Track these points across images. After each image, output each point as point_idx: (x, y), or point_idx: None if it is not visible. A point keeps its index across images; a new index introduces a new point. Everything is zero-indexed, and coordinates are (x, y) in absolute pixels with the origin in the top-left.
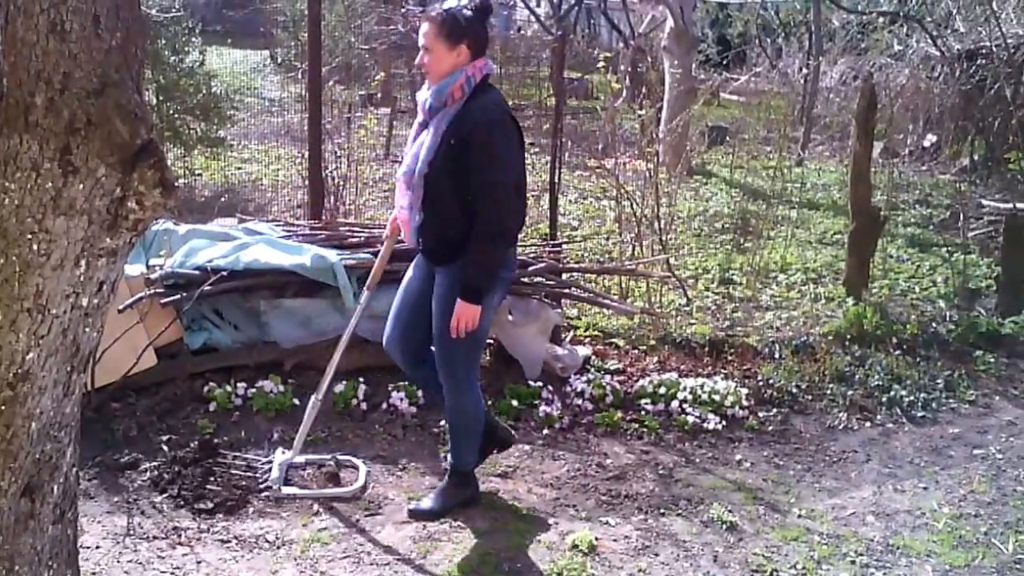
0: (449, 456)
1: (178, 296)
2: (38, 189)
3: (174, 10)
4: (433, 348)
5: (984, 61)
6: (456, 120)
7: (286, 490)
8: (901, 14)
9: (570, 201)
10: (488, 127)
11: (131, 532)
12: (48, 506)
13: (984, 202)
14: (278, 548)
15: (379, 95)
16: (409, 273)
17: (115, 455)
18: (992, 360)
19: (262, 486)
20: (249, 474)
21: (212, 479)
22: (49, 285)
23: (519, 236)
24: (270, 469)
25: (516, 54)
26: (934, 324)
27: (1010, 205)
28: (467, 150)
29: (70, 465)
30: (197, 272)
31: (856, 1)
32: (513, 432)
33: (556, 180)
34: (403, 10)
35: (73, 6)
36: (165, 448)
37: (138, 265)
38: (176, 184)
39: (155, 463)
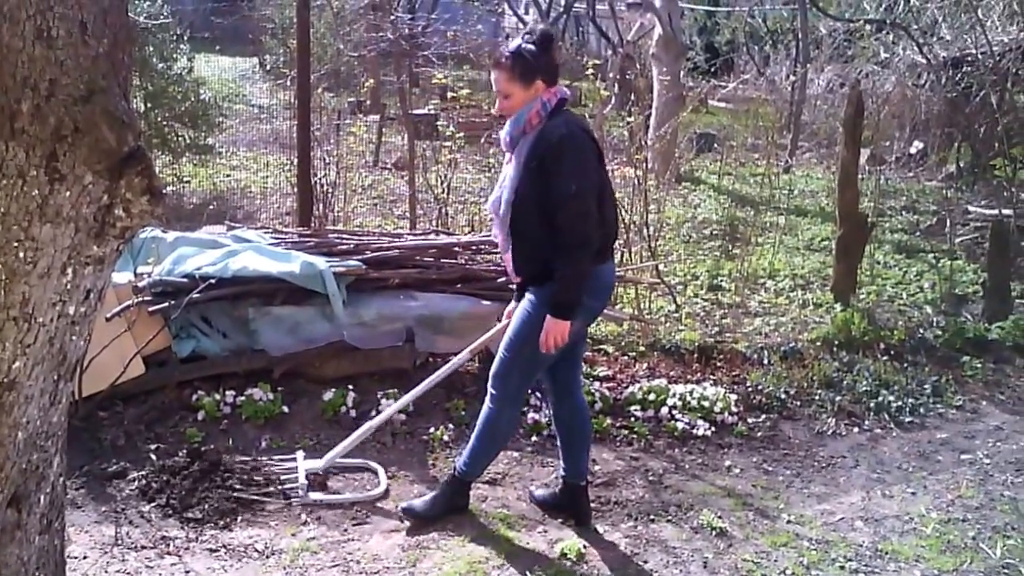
0: (457, 461)
1: (166, 304)
2: (24, 196)
3: (162, 17)
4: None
5: (970, 68)
6: (534, 144)
7: (313, 496)
8: (887, 22)
9: None
10: (559, 142)
11: (119, 542)
12: (35, 516)
13: (970, 208)
14: (267, 557)
15: (368, 102)
16: (516, 308)
17: (103, 464)
18: (979, 365)
19: (289, 492)
20: (274, 480)
21: (209, 489)
22: (35, 293)
23: (613, 255)
24: (295, 475)
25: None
26: (921, 330)
27: (996, 211)
28: (545, 168)
29: (57, 475)
30: (185, 280)
31: (843, 9)
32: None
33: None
34: (392, 17)
35: (60, 13)
36: (153, 457)
37: (126, 273)
38: (164, 191)
39: (143, 472)
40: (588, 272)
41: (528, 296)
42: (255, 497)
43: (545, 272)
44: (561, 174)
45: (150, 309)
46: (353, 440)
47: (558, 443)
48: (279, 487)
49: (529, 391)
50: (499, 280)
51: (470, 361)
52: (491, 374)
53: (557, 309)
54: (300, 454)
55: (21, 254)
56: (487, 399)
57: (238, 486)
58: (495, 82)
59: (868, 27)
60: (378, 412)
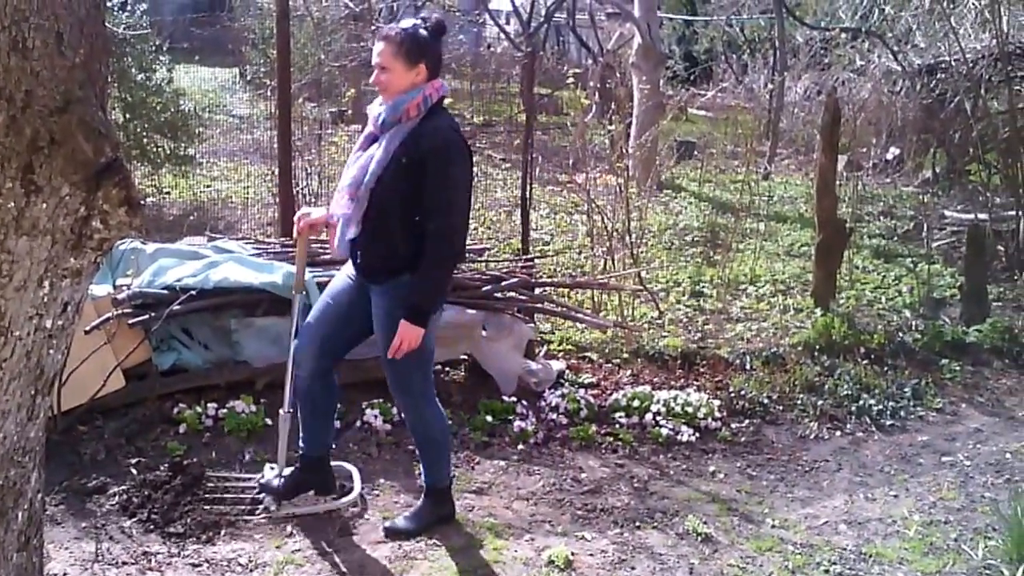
0: (423, 475)
1: (146, 316)
2: (0, 209)
3: (141, 27)
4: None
5: (944, 75)
6: (409, 138)
7: (284, 509)
8: (863, 30)
9: (542, 216)
10: (446, 148)
11: (100, 558)
12: (13, 533)
13: (946, 213)
14: (251, 571)
15: (350, 112)
16: (337, 284)
17: (82, 479)
18: (958, 368)
19: (260, 508)
20: (243, 496)
21: (191, 503)
22: (12, 307)
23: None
24: (264, 490)
25: (486, 71)
26: (901, 333)
27: (971, 216)
28: (421, 170)
29: (35, 491)
30: (165, 291)
31: (819, 18)
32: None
33: (528, 195)
34: (373, 27)
35: (35, 23)
36: (134, 471)
37: (105, 285)
38: (142, 202)
39: (124, 487)
40: (448, 283)
41: (377, 299)
42: (229, 514)
43: (390, 271)
44: (444, 183)
45: (130, 321)
46: (283, 436)
47: (301, 416)
48: (252, 503)
49: (515, 400)
50: (484, 288)
51: (454, 369)
52: (391, 389)
53: (414, 315)
54: (267, 466)
55: None
56: (402, 410)
57: (215, 502)
58: (378, 54)
59: (844, 35)
60: (363, 422)
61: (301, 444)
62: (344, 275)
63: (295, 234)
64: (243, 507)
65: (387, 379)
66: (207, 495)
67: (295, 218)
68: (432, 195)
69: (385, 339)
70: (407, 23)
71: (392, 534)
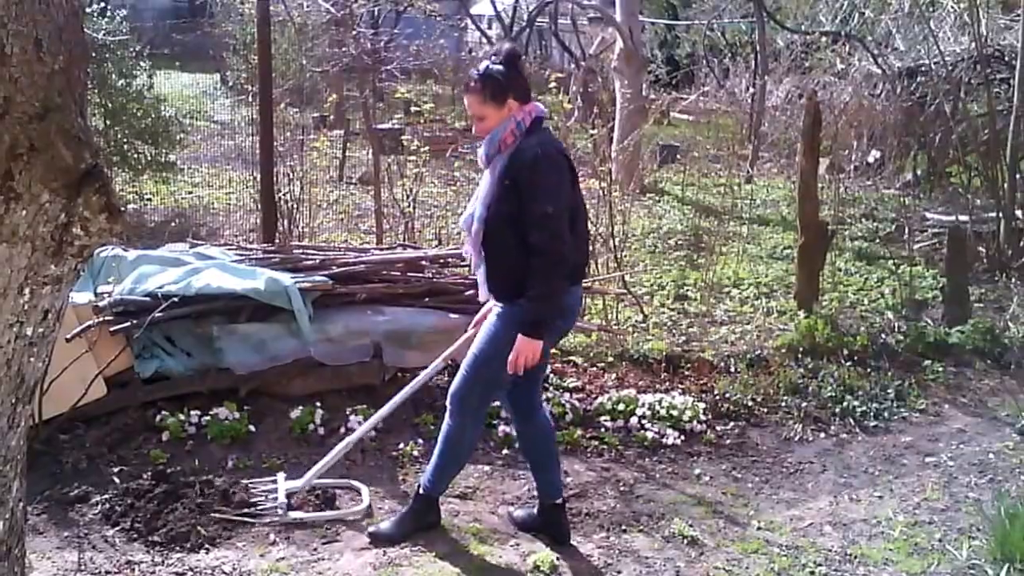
0: (421, 479)
1: (128, 323)
2: None
3: (121, 33)
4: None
5: (924, 78)
6: (509, 161)
7: (292, 515)
8: (843, 34)
9: None
10: (533, 162)
11: (82, 567)
12: None
13: (928, 215)
14: None
15: (332, 117)
16: (484, 327)
17: (64, 488)
18: (940, 369)
19: (267, 512)
20: (252, 501)
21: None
22: None
23: (581, 281)
24: (275, 495)
25: (468, 75)
26: (883, 335)
27: (952, 218)
28: (519, 187)
29: (16, 500)
30: (147, 298)
31: (800, 22)
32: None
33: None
34: (355, 32)
35: (14, 30)
36: (117, 480)
37: (86, 292)
38: (123, 209)
39: (107, 496)
40: (560, 292)
41: (495, 313)
42: (234, 518)
43: (516, 290)
44: (536, 195)
45: (112, 329)
46: (331, 459)
47: (529, 462)
48: (258, 508)
49: (500, 404)
50: (466, 293)
51: (439, 374)
52: (451, 391)
53: (529, 328)
54: (281, 475)
55: None
56: (447, 415)
57: (217, 507)
58: (468, 106)
59: (824, 39)
60: (347, 428)
61: (536, 490)
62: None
63: (471, 328)
64: (248, 512)
65: (453, 383)
66: (210, 500)
67: (478, 316)
68: (528, 210)
69: (480, 343)
70: (481, 66)
71: (376, 538)
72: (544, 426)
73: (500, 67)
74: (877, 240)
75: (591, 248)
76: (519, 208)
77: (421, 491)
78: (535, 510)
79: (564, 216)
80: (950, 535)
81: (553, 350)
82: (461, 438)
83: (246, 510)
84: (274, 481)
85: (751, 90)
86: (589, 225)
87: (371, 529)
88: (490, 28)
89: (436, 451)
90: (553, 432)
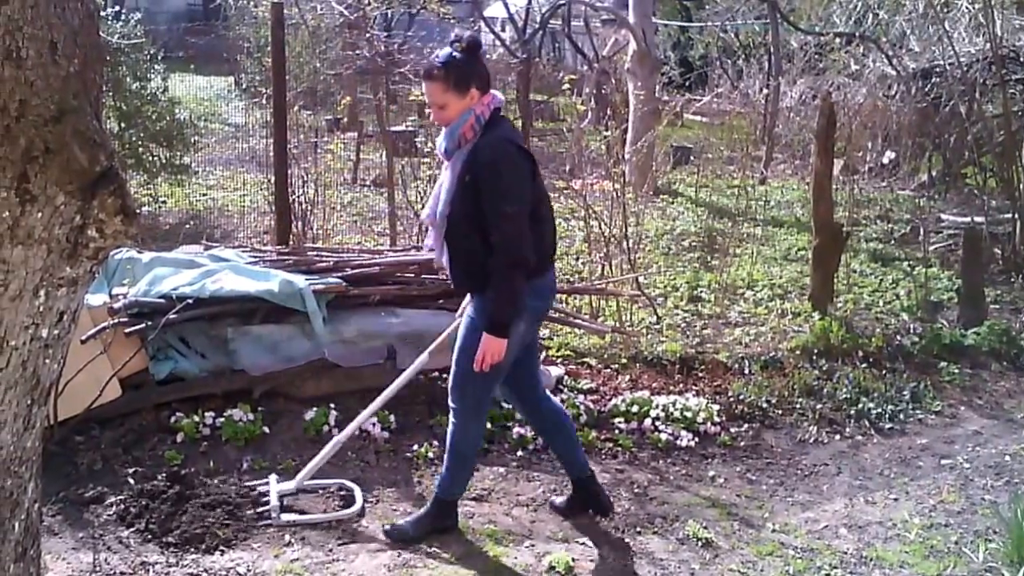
0: (437, 481)
1: (143, 325)
2: None
3: (135, 36)
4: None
5: (938, 79)
6: (469, 158)
7: (285, 517)
8: (857, 35)
9: None
10: (494, 160)
11: (97, 568)
12: (10, 544)
13: (943, 216)
14: None
15: (345, 119)
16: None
17: (79, 489)
18: (956, 371)
19: (260, 515)
20: (245, 503)
21: (188, 512)
22: (7, 316)
23: (553, 264)
24: (267, 498)
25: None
26: (899, 337)
27: (968, 219)
28: (479, 185)
29: (32, 501)
30: (162, 300)
31: (813, 23)
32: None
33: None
34: (368, 35)
35: (30, 33)
36: (131, 481)
37: (101, 294)
38: (138, 211)
39: (121, 497)
40: (522, 290)
41: (471, 306)
42: (226, 522)
43: (482, 282)
44: (495, 194)
45: (126, 331)
46: (323, 457)
47: (551, 450)
48: (253, 511)
49: (508, 406)
50: None
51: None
52: (449, 388)
53: (492, 327)
54: (273, 477)
55: None
56: (450, 415)
57: (209, 512)
58: (428, 94)
59: (838, 40)
60: (360, 430)
61: (564, 470)
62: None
63: (458, 317)
64: (241, 516)
65: (449, 380)
66: (205, 504)
67: (464, 304)
68: (489, 207)
69: (461, 340)
70: (442, 53)
71: (392, 536)
72: (555, 411)
73: (462, 55)
74: (892, 241)
75: (606, 250)
76: (479, 206)
77: (438, 495)
78: (571, 492)
79: (524, 215)
80: (966, 538)
81: (567, 352)
82: (464, 436)
83: (238, 514)
84: (266, 483)
85: (765, 91)
86: (602, 226)
87: (386, 527)
88: (503, 30)
89: (446, 453)
90: (565, 414)
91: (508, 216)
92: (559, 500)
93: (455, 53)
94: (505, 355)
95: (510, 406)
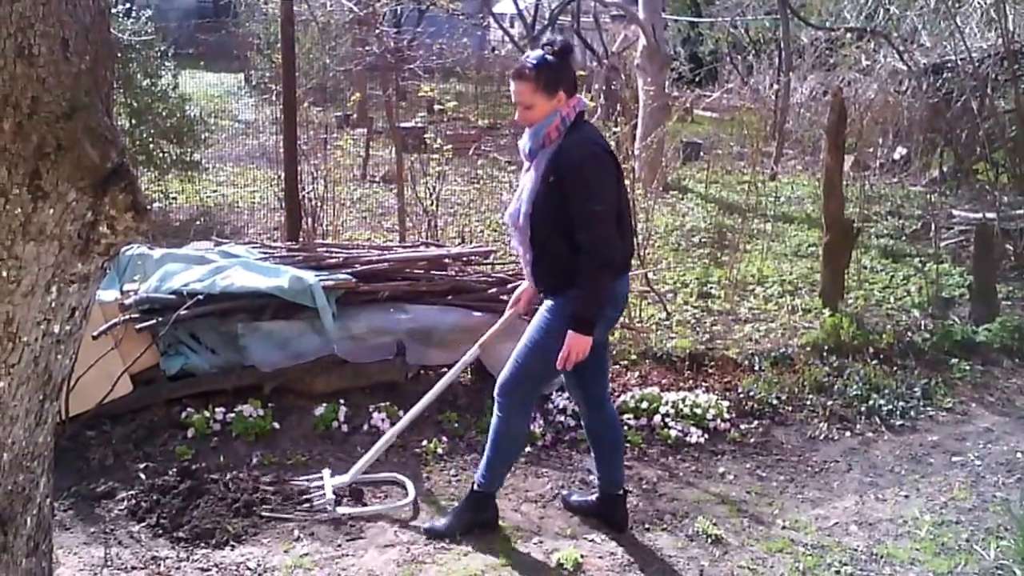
0: (476, 475)
1: (153, 321)
2: (7, 215)
3: (146, 33)
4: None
5: (950, 75)
6: (554, 158)
7: (341, 510)
8: (868, 30)
9: None
10: (581, 161)
11: (108, 563)
12: (21, 538)
13: (954, 212)
14: None
15: (355, 116)
16: (534, 320)
17: (91, 484)
18: (967, 368)
19: (317, 508)
20: (303, 497)
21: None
22: (19, 312)
23: (629, 268)
24: (322, 491)
25: (491, 74)
26: (910, 333)
27: (979, 215)
28: (564, 186)
29: (44, 496)
30: (173, 296)
31: (824, 18)
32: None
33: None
34: (378, 31)
35: (41, 30)
36: (142, 476)
37: (112, 290)
38: (149, 207)
39: (132, 492)
40: (608, 289)
41: (546, 305)
42: (284, 516)
43: (564, 283)
44: (583, 194)
45: (137, 327)
46: (376, 451)
47: (592, 453)
48: (307, 504)
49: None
50: (489, 291)
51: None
52: (499, 382)
53: (578, 325)
54: (326, 471)
55: (4, 273)
56: (495, 408)
57: (263, 506)
58: (516, 93)
59: (849, 35)
60: (370, 425)
61: (598, 479)
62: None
63: (511, 303)
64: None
65: (502, 374)
66: (256, 498)
67: (516, 296)
68: (576, 209)
69: (528, 335)
70: (535, 55)
71: (430, 534)
72: (612, 418)
73: (554, 58)
74: (903, 237)
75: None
76: (565, 205)
77: (475, 487)
78: (593, 497)
79: (611, 214)
80: (977, 535)
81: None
82: (508, 432)
83: (298, 507)
84: (320, 477)
85: (775, 87)
86: None
87: (425, 526)
88: (512, 26)
89: (487, 446)
90: (620, 427)
91: (596, 215)
92: (575, 498)
93: (547, 56)
94: (552, 360)
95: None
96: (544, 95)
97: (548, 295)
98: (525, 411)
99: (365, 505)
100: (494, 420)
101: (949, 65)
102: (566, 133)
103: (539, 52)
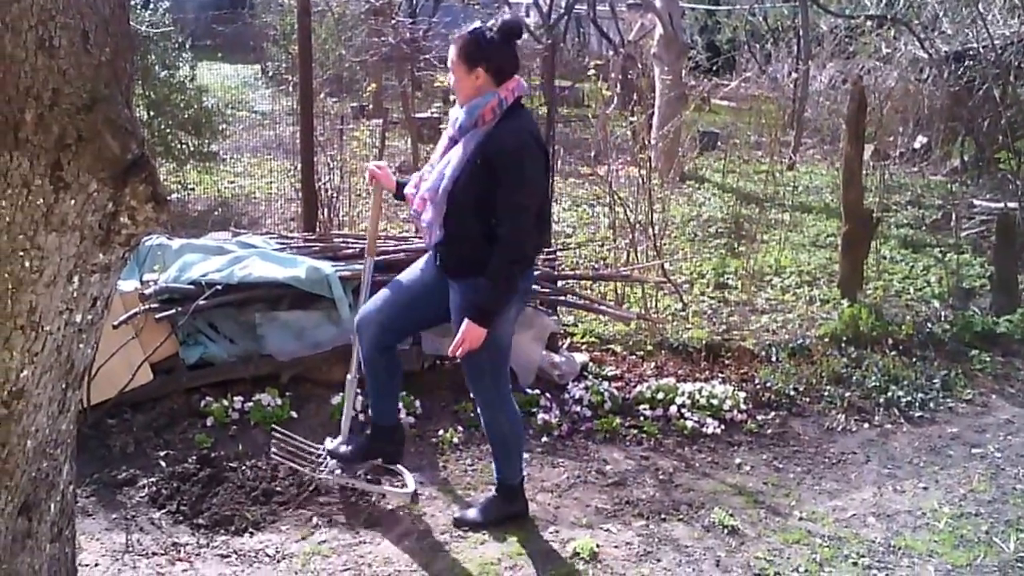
0: (495, 470)
1: (173, 311)
2: (29, 206)
3: (164, 25)
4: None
5: (972, 62)
6: (485, 141)
7: (340, 479)
8: (888, 17)
9: (564, 208)
10: (517, 152)
11: (130, 549)
12: (45, 524)
13: (975, 202)
14: (278, 562)
15: (371, 106)
16: (416, 271)
17: (112, 472)
18: (988, 359)
19: (320, 474)
20: (308, 461)
21: (218, 494)
22: (42, 302)
23: (535, 262)
24: (324, 457)
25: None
26: (929, 324)
27: (1001, 205)
28: (493, 172)
29: (67, 483)
30: (191, 286)
31: (843, 5)
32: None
33: (550, 188)
34: (393, 22)
35: (62, 22)
36: (163, 463)
37: (132, 280)
38: (168, 198)
39: (153, 479)
40: (516, 285)
41: (454, 295)
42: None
43: (473, 268)
44: (513, 185)
45: (157, 316)
46: (348, 404)
47: (367, 391)
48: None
49: (539, 392)
50: None
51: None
52: (467, 383)
53: (478, 315)
54: (328, 440)
55: (27, 263)
56: (479, 409)
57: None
58: (449, 58)
59: (869, 23)
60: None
61: (371, 413)
62: (424, 266)
63: (369, 181)
64: (306, 469)
65: (465, 376)
66: (274, 454)
67: (369, 168)
68: (503, 198)
69: (458, 327)
70: (472, 27)
71: (459, 524)
72: (396, 362)
73: (487, 34)
74: (923, 227)
75: (632, 236)
76: (488, 191)
77: (498, 482)
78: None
79: (534, 208)
80: (997, 527)
81: (592, 339)
82: (497, 425)
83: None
84: (322, 444)
85: (794, 75)
86: (628, 212)
87: (456, 516)
88: (528, 16)
89: (490, 445)
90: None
91: (521, 208)
92: (343, 448)
93: (484, 31)
94: (502, 337)
95: (534, 391)
96: (464, 67)
97: (451, 278)
98: (504, 399)
99: (360, 479)
100: (482, 419)
101: (971, 53)
102: (501, 117)
103: (477, 25)
